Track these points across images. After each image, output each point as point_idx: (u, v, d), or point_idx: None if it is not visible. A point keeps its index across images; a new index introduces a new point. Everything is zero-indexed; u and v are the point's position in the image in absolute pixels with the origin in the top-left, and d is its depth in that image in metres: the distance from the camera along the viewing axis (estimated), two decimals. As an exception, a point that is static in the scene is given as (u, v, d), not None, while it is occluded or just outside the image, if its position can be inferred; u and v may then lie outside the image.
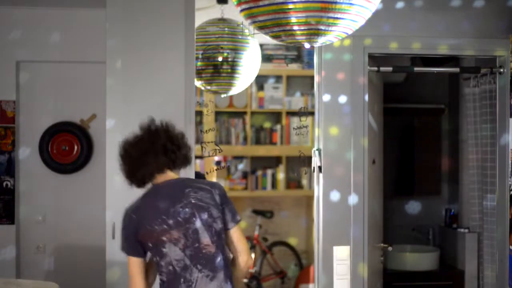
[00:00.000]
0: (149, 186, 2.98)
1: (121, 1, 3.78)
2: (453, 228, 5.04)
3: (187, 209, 2.84)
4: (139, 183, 2.96)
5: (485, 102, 4.34)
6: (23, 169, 4.81)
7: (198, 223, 2.84)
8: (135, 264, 2.89)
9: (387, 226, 4.84)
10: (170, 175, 2.96)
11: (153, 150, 2.89)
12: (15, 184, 4.76)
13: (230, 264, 2.95)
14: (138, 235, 2.86)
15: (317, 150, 3.71)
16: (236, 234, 2.95)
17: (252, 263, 3.03)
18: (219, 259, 2.87)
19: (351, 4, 2.12)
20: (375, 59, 3.84)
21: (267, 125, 6.67)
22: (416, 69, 4.08)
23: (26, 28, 4.77)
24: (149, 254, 2.92)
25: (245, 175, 6.63)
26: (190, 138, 3.65)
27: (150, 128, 2.96)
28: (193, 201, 2.86)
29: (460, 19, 3.78)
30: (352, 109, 3.69)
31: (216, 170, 5.28)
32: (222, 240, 2.91)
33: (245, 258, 2.95)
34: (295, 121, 6.51)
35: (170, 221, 2.83)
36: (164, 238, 2.83)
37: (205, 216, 2.85)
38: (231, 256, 2.98)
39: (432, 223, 5.31)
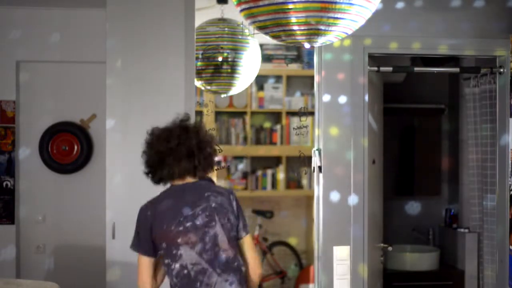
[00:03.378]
0: (167, 186, 2.95)
1: (121, 1, 3.78)
2: (453, 228, 5.04)
3: (207, 213, 2.82)
4: (158, 181, 2.92)
5: (485, 102, 4.34)
6: (23, 169, 4.81)
7: (218, 227, 2.82)
8: (145, 263, 2.85)
9: (387, 226, 4.84)
10: (189, 179, 2.91)
11: (178, 153, 2.85)
12: (15, 184, 4.76)
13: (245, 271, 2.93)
14: (153, 234, 2.82)
15: (317, 150, 3.71)
16: (247, 243, 2.94)
17: (261, 273, 3.00)
18: (236, 263, 2.85)
19: (351, 4, 2.12)
20: (375, 59, 3.84)
21: (267, 125, 6.66)
22: (416, 69, 4.07)
23: (26, 28, 4.77)
24: (159, 254, 2.88)
25: (245, 175, 6.61)
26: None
27: (182, 125, 2.91)
28: (213, 205, 2.84)
29: (460, 19, 3.78)
30: (352, 109, 3.68)
31: (216, 170, 5.26)
32: (236, 246, 2.89)
33: (254, 268, 2.93)
34: (295, 121, 6.50)
35: (188, 224, 2.80)
36: (180, 241, 2.79)
37: (224, 220, 2.84)
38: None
39: (432, 223, 5.31)
